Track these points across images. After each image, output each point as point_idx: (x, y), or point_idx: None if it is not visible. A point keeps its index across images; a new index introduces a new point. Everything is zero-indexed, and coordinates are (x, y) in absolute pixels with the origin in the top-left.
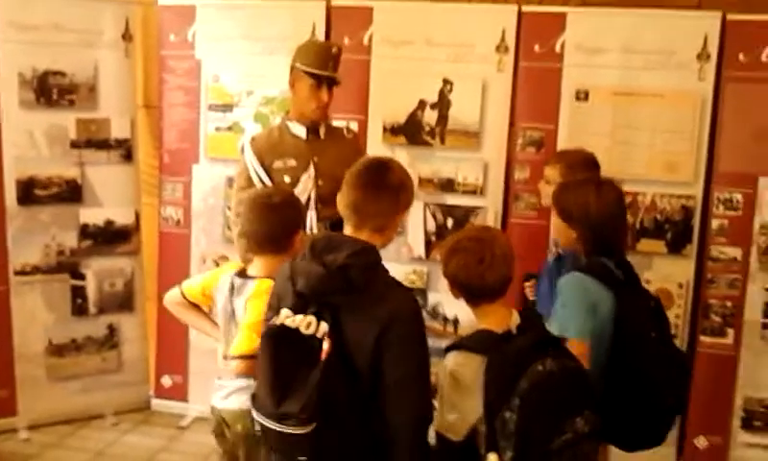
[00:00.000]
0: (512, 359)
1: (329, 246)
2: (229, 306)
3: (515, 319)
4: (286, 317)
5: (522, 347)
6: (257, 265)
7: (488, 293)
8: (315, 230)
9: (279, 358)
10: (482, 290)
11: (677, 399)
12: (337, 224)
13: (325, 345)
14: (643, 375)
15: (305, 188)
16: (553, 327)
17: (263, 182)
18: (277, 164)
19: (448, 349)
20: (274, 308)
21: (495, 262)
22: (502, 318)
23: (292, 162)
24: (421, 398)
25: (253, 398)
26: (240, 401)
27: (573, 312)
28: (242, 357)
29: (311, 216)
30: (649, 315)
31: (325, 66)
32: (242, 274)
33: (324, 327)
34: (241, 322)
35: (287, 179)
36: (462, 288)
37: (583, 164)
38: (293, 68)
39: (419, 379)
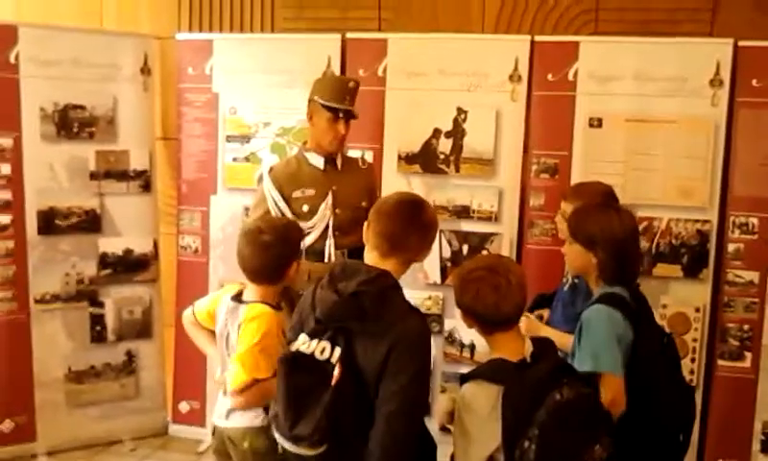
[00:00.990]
0: (529, 389)
1: (344, 273)
2: (225, 330)
3: (528, 347)
4: (302, 343)
5: (540, 375)
6: (251, 290)
7: (503, 322)
8: (333, 258)
9: (293, 383)
10: (497, 320)
11: (686, 434)
12: (355, 252)
13: (336, 370)
14: (656, 411)
15: (323, 217)
16: (584, 363)
17: (281, 211)
18: (296, 194)
19: (464, 379)
20: (296, 333)
21: (510, 292)
22: (516, 346)
23: (311, 192)
24: (411, 411)
25: (275, 418)
26: (244, 420)
27: (605, 346)
28: (238, 391)
29: (329, 244)
30: (663, 352)
31: (342, 100)
32: (238, 297)
33: (339, 352)
34: (233, 351)
35: (306, 208)
36: (476, 318)
37: (602, 199)
38: (311, 101)
39: (407, 401)
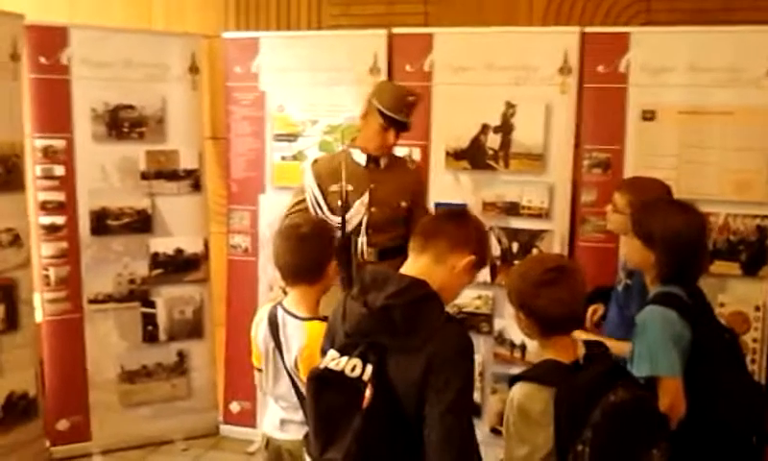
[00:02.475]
0: (583, 390)
1: (374, 283)
2: (271, 342)
3: (581, 349)
4: (331, 359)
5: (593, 377)
6: (295, 299)
7: (570, 324)
8: (365, 256)
9: (323, 403)
10: (567, 322)
11: (759, 436)
12: (387, 251)
13: (367, 391)
14: (721, 413)
15: (357, 213)
16: (640, 367)
17: (318, 203)
18: (334, 188)
19: (513, 380)
20: (328, 346)
21: (582, 292)
22: (570, 348)
23: (349, 187)
24: (461, 439)
25: (305, 439)
26: (302, 430)
27: (662, 349)
28: None
29: (362, 241)
30: (725, 349)
31: (399, 111)
32: (283, 307)
33: (371, 369)
34: (291, 364)
35: (341, 202)
36: (544, 321)
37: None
38: (369, 102)
39: (455, 423)
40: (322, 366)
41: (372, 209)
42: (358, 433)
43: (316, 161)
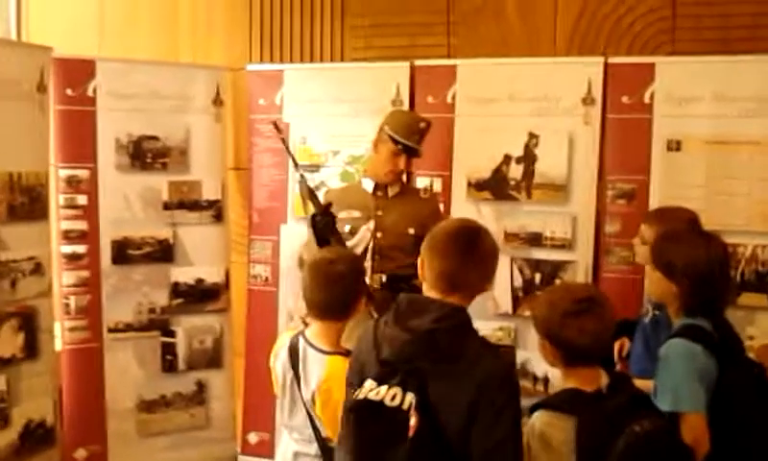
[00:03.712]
0: (606, 420)
1: (414, 309)
2: (290, 372)
3: (603, 379)
4: (370, 390)
5: (617, 407)
6: (319, 332)
7: (596, 356)
8: (370, 282)
9: (365, 436)
10: (594, 353)
11: None
12: (395, 278)
13: (413, 420)
14: (747, 451)
15: (363, 239)
16: (663, 402)
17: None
18: (342, 214)
19: (535, 407)
20: (356, 376)
21: (610, 326)
22: (593, 377)
23: (356, 213)
24: None
25: None
26: None
27: (685, 384)
28: None
29: (368, 267)
30: (753, 385)
31: (410, 137)
32: (305, 338)
33: (411, 398)
34: (308, 397)
35: (347, 227)
36: (570, 352)
37: (686, 226)
38: (381, 130)
39: (513, 449)
40: (361, 396)
41: (378, 235)
42: None
43: (328, 191)
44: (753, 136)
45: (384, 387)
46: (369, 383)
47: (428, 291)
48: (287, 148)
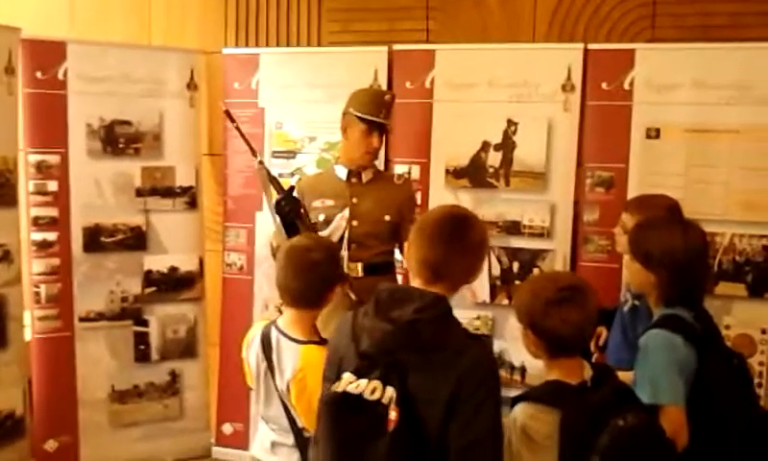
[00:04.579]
0: (590, 413)
1: (395, 300)
2: (264, 362)
3: (588, 370)
4: (349, 382)
5: (601, 400)
6: (292, 320)
7: (578, 346)
8: (346, 271)
9: (344, 430)
10: (576, 343)
11: None
12: (371, 266)
13: (393, 414)
14: (727, 442)
15: (338, 227)
16: (642, 394)
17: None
18: (316, 203)
19: (516, 400)
20: (334, 369)
21: (593, 315)
22: (577, 369)
23: (329, 202)
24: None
25: None
26: (293, 456)
27: (665, 375)
28: None
29: (344, 256)
30: (733, 376)
31: (378, 113)
32: (277, 327)
33: (391, 391)
34: (283, 387)
35: (321, 216)
36: (552, 342)
37: (666, 214)
38: (345, 113)
39: (492, 445)
40: (339, 390)
41: (354, 223)
42: (385, 458)
43: (301, 178)
44: (732, 125)
45: (364, 380)
46: (347, 376)
47: (412, 278)
48: (242, 135)
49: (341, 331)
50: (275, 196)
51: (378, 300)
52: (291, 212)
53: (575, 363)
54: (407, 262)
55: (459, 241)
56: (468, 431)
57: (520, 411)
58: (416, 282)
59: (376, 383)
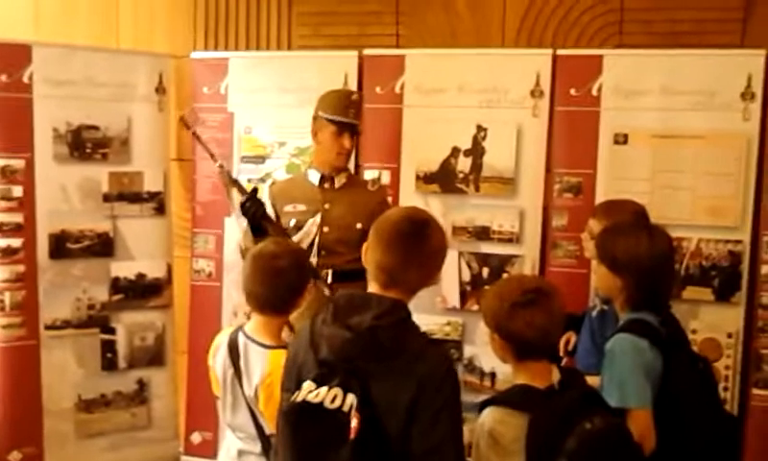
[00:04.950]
0: (558, 417)
1: (353, 306)
2: (231, 368)
3: (555, 374)
4: (308, 391)
5: (569, 403)
6: (259, 325)
7: (545, 350)
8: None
9: (304, 440)
10: (543, 347)
11: None
12: (341, 273)
13: (354, 421)
14: (692, 446)
15: (309, 233)
16: (609, 398)
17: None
18: (287, 208)
19: (485, 404)
20: (293, 379)
21: (559, 318)
22: (545, 373)
23: (301, 207)
24: None
25: None
26: None
27: (632, 380)
28: None
29: (312, 262)
30: (698, 379)
31: (347, 113)
32: (245, 332)
33: (351, 399)
34: (252, 394)
35: (293, 222)
36: (519, 345)
37: (632, 219)
38: (315, 117)
39: (452, 451)
40: (299, 399)
41: (325, 229)
42: None
43: (273, 183)
44: (698, 130)
45: (324, 388)
46: (307, 385)
47: (369, 282)
48: (200, 140)
49: (299, 340)
50: (238, 199)
51: (336, 306)
52: (256, 213)
53: (542, 367)
54: (365, 265)
55: (416, 247)
56: (427, 437)
57: (488, 415)
58: (372, 286)
59: (337, 391)
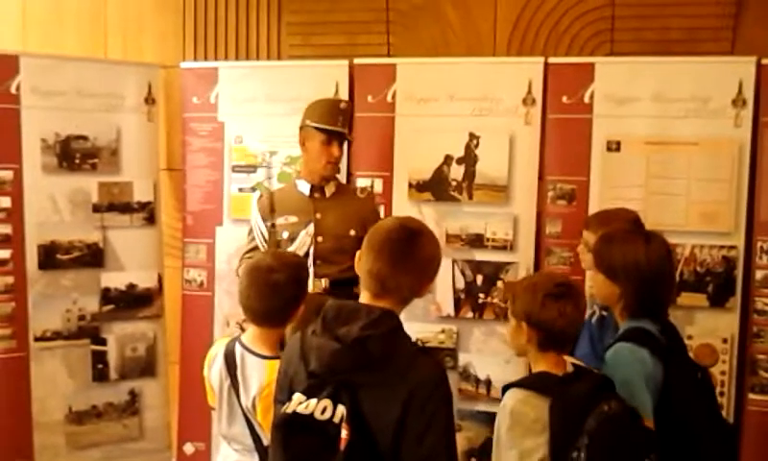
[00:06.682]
0: (577, 399)
1: (342, 317)
2: (227, 379)
3: (569, 365)
4: (299, 403)
5: (586, 388)
6: (256, 336)
7: (569, 341)
8: (312, 288)
9: (295, 451)
10: (568, 337)
11: None
12: (338, 282)
13: (344, 432)
14: (692, 455)
15: (303, 244)
16: None
17: (264, 238)
18: (279, 220)
19: (507, 387)
20: (284, 391)
21: (583, 313)
22: (561, 365)
23: (293, 218)
24: None
25: None
26: None
27: (634, 390)
28: None
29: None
30: (698, 388)
31: (335, 122)
32: (242, 343)
33: (342, 410)
34: (249, 404)
35: (286, 234)
36: (546, 335)
37: (626, 227)
38: (302, 127)
39: (444, 459)
40: (289, 410)
41: (319, 239)
42: None
43: (262, 195)
44: (691, 137)
45: (314, 400)
46: (297, 396)
47: (361, 290)
48: None
49: (290, 353)
50: None
51: (325, 317)
52: None
53: (560, 358)
54: (358, 273)
55: (408, 254)
56: (419, 447)
57: (510, 396)
58: (364, 295)
59: (326, 402)
